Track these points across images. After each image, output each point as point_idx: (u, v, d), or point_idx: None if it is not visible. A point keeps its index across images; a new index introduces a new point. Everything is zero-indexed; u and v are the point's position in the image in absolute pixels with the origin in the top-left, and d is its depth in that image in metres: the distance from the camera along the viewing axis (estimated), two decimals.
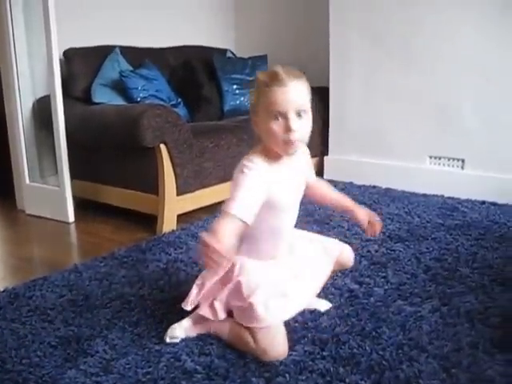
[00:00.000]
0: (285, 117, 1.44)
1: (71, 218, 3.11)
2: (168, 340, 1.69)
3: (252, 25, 4.63)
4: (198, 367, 1.56)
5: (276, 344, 1.57)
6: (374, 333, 1.72)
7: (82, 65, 3.35)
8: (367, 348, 1.63)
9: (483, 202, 3.22)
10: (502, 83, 3.17)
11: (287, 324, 1.71)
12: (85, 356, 1.64)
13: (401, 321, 1.80)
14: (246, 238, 1.63)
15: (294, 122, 1.44)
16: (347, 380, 1.48)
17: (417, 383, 1.46)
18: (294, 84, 1.44)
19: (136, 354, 1.64)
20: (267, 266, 1.68)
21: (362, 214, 1.80)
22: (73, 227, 3.05)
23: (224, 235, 1.39)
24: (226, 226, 1.42)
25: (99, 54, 3.41)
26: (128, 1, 3.82)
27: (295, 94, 1.44)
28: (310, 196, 1.81)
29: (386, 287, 2.07)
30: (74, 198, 3.13)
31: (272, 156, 1.55)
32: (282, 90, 1.42)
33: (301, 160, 1.67)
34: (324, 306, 1.88)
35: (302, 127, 1.47)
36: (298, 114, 1.45)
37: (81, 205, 3.21)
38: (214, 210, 3.09)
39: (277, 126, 1.45)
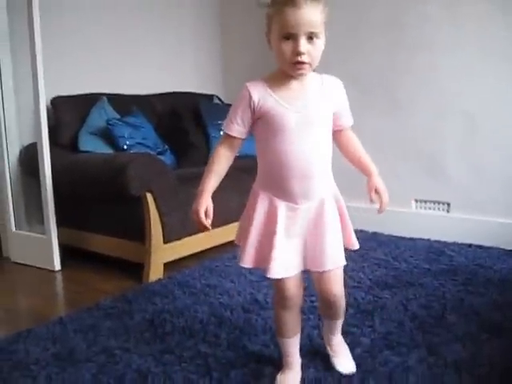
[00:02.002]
0: (295, 38, 1.43)
1: (57, 266, 3.09)
2: None
3: (239, 71, 4.69)
4: None
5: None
6: None
7: (69, 113, 3.37)
8: None
9: (470, 245, 3.24)
10: (486, 128, 3.23)
11: (274, 374, 1.70)
12: None
13: (388, 372, 1.79)
14: (262, 171, 1.63)
15: (304, 44, 1.43)
16: None
17: None
18: (307, 7, 1.41)
19: None
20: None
21: (374, 183, 1.71)
22: (59, 275, 3.03)
23: (207, 190, 1.59)
24: (209, 174, 1.59)
25: (86, 102, 3.43)
26: (115, 49, 3.87)
27: (308, 17, 1.41)
28: (337, 142, 1.72)
29: (373, 336, 2.06)
30: (61, 245, 3.11)
31: (283, 77, 1.54)
32: (295, 11, 1.40)
33: (329, 92, 1.59)
34: (348, 368, 1.82)
35: (312, 51, 1.45)
36: (309, 37, 1.43)
37: (67, 253, 3.19)
38: (202, 257, 3.08)
39: (286, 47, 1.45)
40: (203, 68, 4.66)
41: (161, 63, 4.24)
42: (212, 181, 1.60)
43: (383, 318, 2.23)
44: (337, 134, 1.69)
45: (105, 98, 3.49)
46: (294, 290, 1.64)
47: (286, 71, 1.53)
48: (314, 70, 1.57)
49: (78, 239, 3.22)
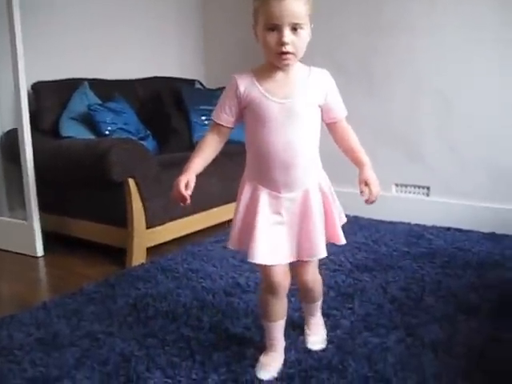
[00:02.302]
0: (279, 29, 1.47)
1: (40, 251, 3.09)
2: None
3: (221, 56, 4.68)
4: None
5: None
6: (340, 366, 1.75)
7: (50, 98, 3.35)
8: (334, 382, 1.66)
9: (448, 229, 3.29)
10: (465, 112, 3.27)
11: (256, 356, 1.74)
12: None
13: (367, 353, 1.83)
14: (249, 160, 1.66)
15: (288, 35, 1.46)
16: None
17: None
18: None
19: None
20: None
21: (365, 175, 1.71)
22: (41, 261, 3.03)
23: (191, 168, 1.63)
24: (195, 157, 1.64)
25: (68, 88, 3.41)
26: (97, 33, 3.84)
27: (291, 8, 1.45)
28: (332, 134, 1.74)
29: (353, 319, 2.10)
30: (43, 231, 3.11)
31: (269, 68, 1.58)
32: (279, 3, 1.44)
33: (315, 84, 1.61)
34: (316, 345, 1.88)
35: (296, 41, 1.49)
36: (294, 28, 1.47)
37: (50, 238, 3.19)
38: (184, 242, 3.10)
39: (271, 38, 1.48)
40: (185, 53, 4.65)
41: (143, 48, 4.22)
42: (197, 163, 1.64)
43: (363, 301, 2.27)
44: (331, 126, 1.71)
45: (86, 83, 3.47)
46: (279, 277, 1.66)
47: (272, 63, 1.56)
48: (300, 61, 1.60)
49: (60, 225, 3.22)
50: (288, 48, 1.48)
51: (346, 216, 1.81)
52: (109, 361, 1.83)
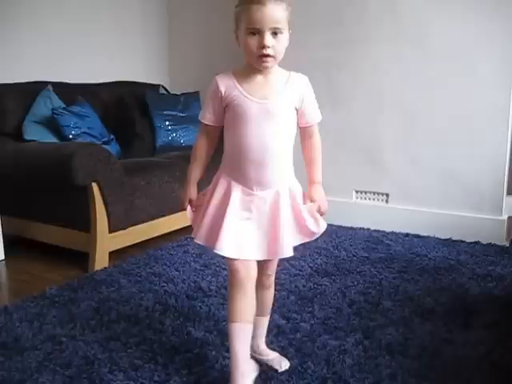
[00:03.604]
0: (260, 33, 1.53)
1: (1, 255, 3.07)
2: None
3: (185, 61, 4.72)
4: None
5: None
6: (299, 368, 1.80)
7: (13, 101, 3.33)
8: (293, 383, 1.71)
9: (407, 235, 3.38)
10: (424, 122, 3.36)
11: (217, 358, 1.77)
12: None
13: (325, 355, 1.88)
14: (226, 156, 1.71)
15: (268, 39, 1.53)
16: None
17: None
18: (271, 4, 1.52)
19: None
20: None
21: (310, 193, 1.75)
22: (2, 265, 3.01)
23: (190, 181, 1.75)
24: (192, 165, 1.75)
25: (31, 90, 3.40)
26: (61, 37, 3.84)
27: (271, 14, 1.52)
28: (300, 138, 1.78)
29: (312, 322, 2.15)
30: (4, 235, 3.10)
31: (249, 70, 1.64)
32: (260, 8, 1.51)
33: (293, 87, 1.66)
34: (282, 365, 1.84)
35: (276, 45, 1.56)
36: (274, 33, 1.54)
37: (11, 242, 3.17)
38: (146, 246, 3.12)
39: (252, 41, 1.55)
40: (150, 58, 4.67)
41: (107, 52, 4.22)
42: (194, 171, 1.75)
43: (322, 304, 2.33)
44: (301, 130, 1.77)
45: (50, 87, 3.46)
46: (244, 272, 1.66)
47: (252, 65, 1.62)
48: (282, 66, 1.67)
49: (21, 228, 3.20)
50: (269, 51, 1.54)
51: None
52: (72, 364, 1.84)
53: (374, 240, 3.28)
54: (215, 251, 1.62)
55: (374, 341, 1.99)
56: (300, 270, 2.75)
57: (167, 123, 3.86)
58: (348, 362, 1.83)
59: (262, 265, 1.74)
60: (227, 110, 1.65)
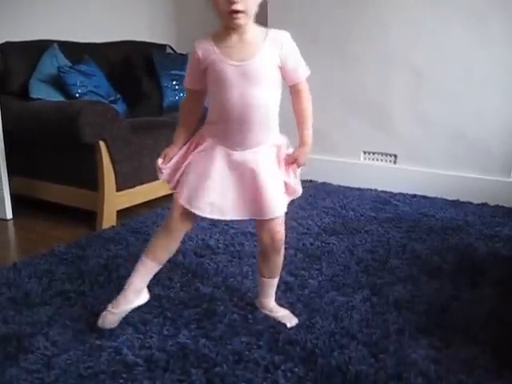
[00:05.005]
0: None
1: (9, 214, 3.08)
2: (100, 325, 1.76)
3: (192, 21, 4.65)
4: (138, 360, 1.61)
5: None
6: (307, 323, 1.81)
7: (19, 59, 3.30)
8: (301, 337, 1.72)
9: (414, 196, 3.37)
10: (433, 82, 3.32)
11: (225, 313, 1.79)
12: (25, 353, 1.66)
13: (333, 311, 1.90)
14: (209, 117, 1.73)
15: None
16: (282, 367, 1.56)
17: (347, 369, 1.55)
18: None
19: (77, 350, 1.67)
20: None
21: (299, 156, 1.74)
22: (11, 224, 3.03)
23: (174, 143, 1.77)
24: (178, 128, 1.78)
25: (37, 49, 3.36)
26: None
27: None
28: (291, 96, 1.77)
29: (320, 279, 2.16)
30: (12, 194, 3.10)
31: (225, 31, 1.62)
32: None
33: (272, 45, 1.63)
34: (291, 321, 1.85)
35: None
36: None
37: (19, 201, 3.18)
38: (154, 205, 3.12)
39: None
40: (156, 17, 4.60)
41: (114, 11, 4.17)
42: (181, 135, 1.77)
43: (330, 262, 2.34)
44: (290, 88, 1.74)
45: (56, 45, 3.42)
46: (181, 225, 1.77)
47: (227, 26, 1.59)
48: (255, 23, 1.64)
49: (29, 188, 3.20)
50: (238, 6, 1.51)
51: (314, 182, 1.84)
52: (81, 318, 1.86)
53: (382, 200, 3.28)
54: (193, 211, 1.68)
55: (382, 297, 2.00)
56: (308, 229, 2.75)
57: (174, 83, 3.83)
58: (356, 318, 1.85)
59: (264, 226, 1.76)
60: (207, 73, 1.65)
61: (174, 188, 1.77)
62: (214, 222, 2.82)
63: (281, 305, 1.92)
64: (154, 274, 1.82)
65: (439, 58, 3.28)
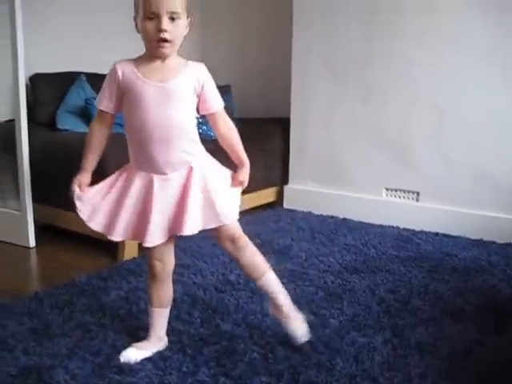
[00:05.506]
0: (158, 18, 1.58)
1: (32, 242, 3.11)
2: (122, 360, 1.79)
3: (217, 54, 4.73)
4: None
5: None
6: (328, 364, 1.79)
7: (47, 91, 3.38)
8: (322, 379, 1.70)
9: (437, 234, 3.33)
10: (456, 119, 3.31)
11: (246, 351, 1.77)
12: None
13: (354, 352, 1.87)
14: (129, 144, 1.76)
15: (165, 23, 1.58)
16: None
17: None
18: None
19: None
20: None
21: (242, 175, 1.81)
22: (34, 252, 3.06)
23: (85, 168, 1.83)
24: (87, 154, 1.81)
25: (65, 81, 3.44)
26: (95, 27, 3.87)
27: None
28: (212, 128, 1.82)
29: (341, 318, 2.14)
30: (36, 222, 3.13)
31: (148, 57, 1.69)
32: None
33: (191, 73, 1.71)
34: (302, 336, 1.88)
35: (174, 30, 1.61)
36: (171, 18, 1.59)
37: (42, 230, 3.21)
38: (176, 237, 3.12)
39: (150, 26, 1.59)
40: (181, 51, 4.63)
41: (141, 44, 4.22)
42: (90, 160, 1.82)
43: (351, 301, 2.31)
44: (209, 118, 1.79)
45: (83, 77, 3.49)
46: (159, 268, 1.85)
47: (152, 52, 1.67)
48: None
49: (53, 216, 3.23)
50: (166, 35, 1.59)
51: (335, 218, 1.85)
52: (101, 352, 1.86)
53: (404, 238, 3.25)
54: (145, 245, 1.73)
55: (404, 340, 1.97)
56: (329, 266, 2.73)
57: (197, 116, 3.86)
58: (377, 360, 1.82)
59: (220, 235, 1.83)
60: (125, 96, 1.68)
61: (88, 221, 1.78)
62: None
63: (301, 343, 1.89)
64: (167, 316, 1.92)
65: (463, 95, 3.27)
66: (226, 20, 4.84)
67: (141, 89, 1.64)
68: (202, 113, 1.76)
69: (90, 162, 1.81)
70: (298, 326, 1.89)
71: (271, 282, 1.90)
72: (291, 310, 1.91)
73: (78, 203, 1.77)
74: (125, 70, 1.67)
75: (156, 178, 1.70)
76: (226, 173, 1.82)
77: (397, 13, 3.44)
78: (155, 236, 1.72)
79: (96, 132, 1.77)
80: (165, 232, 1.75)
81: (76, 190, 1.78)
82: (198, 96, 1.72)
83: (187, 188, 1.70)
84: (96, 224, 1.76)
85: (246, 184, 1.82)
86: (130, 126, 1.71)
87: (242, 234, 1.84)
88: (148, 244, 1.73)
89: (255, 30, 4.73)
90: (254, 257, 1.87)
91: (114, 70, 1.68)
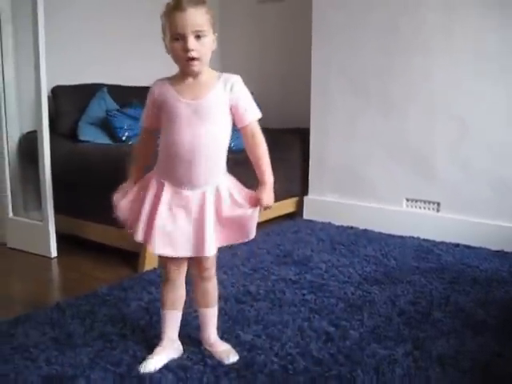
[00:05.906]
0: (184, 38, 1.62)
1: (54, 252, 3.14)
2: (142, 371, 1.80)
3: (237, 65, 4.74)
4: None
5: None
6: (348, 376, 1.78)
7: (69, 102, 3.42)
8: None
9: (457, 245, 3.31)
10: (476, 130, 3.30)
11: (266, 363, 1.78)
12: None
13: (375, 364, 1.86)
14: (159, 156, 1.80)
15: (191, 42, 1.62)
16: None
17: None
18: (191, 9, 1.61)
19: None
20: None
21: (261, 195, 1.77)
22: (55, 262, 3.08)
23: (130, 177, 1.89)
24: (133, 165, 1.90)
25: (86, 92, 3.48)
26: (116, 39, 3.91)
27: (192, 18, 1.61)
28: (243, 139, 1.81)
29: (362, 330, 2.13)
30: (57, 232, 3.16)
31: (181, 75, 1.74)
32: (181, 14, 1.61)
33: (224, 87, 1.73)
34: (230, 357, 1.90)
35: (200, 48, 1.64)
36: (197, 36, 1.63)
37: (64, 240, 3.24)
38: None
39: (178, 46, 1.64)
40: None
41: (163, 55, 4.25)
42: (136, 172, 1.88)
43: (371, 313, 2.30)
44: (242, 131, 1.80)
45: (105, 89, 3.53)
46: (174, 273, 1.87)
47: (183, 70, 1.72)
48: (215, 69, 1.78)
49: (74, 227, 3.27)
50: (193, 54, 1.63)
51: (355, 229, 1.84)
52: (122, 362, 1.87)
53: (424, 249, 3.23)
54: (151, 250, 1.79)
55: (425, 352, 1.96)
56: (349, 278, 2.73)
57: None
58: (398, 372, 1.81)
59: (198, 260, 1.85)
60: (162, 112, 1.74)
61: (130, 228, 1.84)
62: (254, 268, 2.82)
63: (322, 355, 1.90)
64: (179, 320, 1.95)
65: (482, 105, 3.26)
66: (246, 30, 4.87)
67: (175, 106, 1.70)
68: (239, 126, 1.78)
69: (136, 174, 1.89)
70: (224, 351, 1.92)
71: (215, 314, 1.98)
72: (218, 344, 1.96)
73: (117, 211, 1.87)
74: (161, 89, 1.74)
75: (169, 187, 1.75)
76: (245, 194, 1.81)
77: (414, 30, 3.45)
78: (160, 246, 1.77)
79: (140, 147, 1.90)
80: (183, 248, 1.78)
81: (117, 196, 1.87)
82: (232, 109, 1.74)
83: (203, 211, 1.74)
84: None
85: (267, 204, 1.77)
86: (163, 139, 1.77)
87: (214, 264, 1.91)
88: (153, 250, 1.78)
89: (274, 41, 4.75)
90: (214, 287, 1.95)
91: (152, 90, 1.77)
